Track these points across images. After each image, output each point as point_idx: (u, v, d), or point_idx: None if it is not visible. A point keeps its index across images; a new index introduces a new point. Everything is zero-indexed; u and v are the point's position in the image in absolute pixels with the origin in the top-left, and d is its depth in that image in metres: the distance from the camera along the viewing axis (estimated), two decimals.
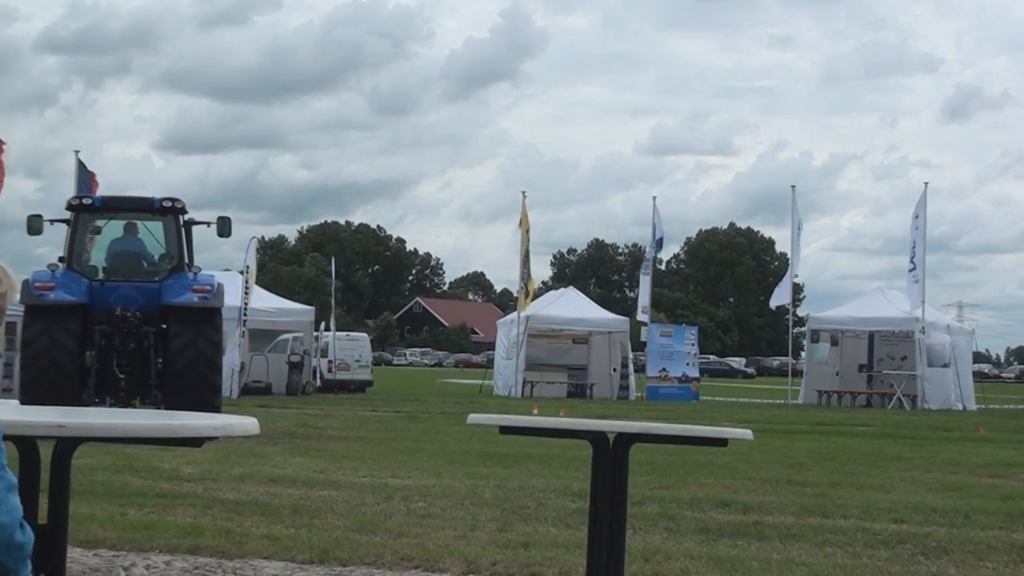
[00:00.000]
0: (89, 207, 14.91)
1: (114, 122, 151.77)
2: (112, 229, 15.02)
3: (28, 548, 1.87)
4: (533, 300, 32.89)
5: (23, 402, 12.04)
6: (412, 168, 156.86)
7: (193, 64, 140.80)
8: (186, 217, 14.95)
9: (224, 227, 15.28)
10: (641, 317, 33.07)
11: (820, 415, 24.02)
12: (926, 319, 29.57)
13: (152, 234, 14.95)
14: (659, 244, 33.51)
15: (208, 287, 14.18)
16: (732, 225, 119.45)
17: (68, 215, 14.81)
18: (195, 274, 14.52)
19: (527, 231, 31.73)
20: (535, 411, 19.98)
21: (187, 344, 13.92)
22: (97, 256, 14.83)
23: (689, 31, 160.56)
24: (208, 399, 13.58)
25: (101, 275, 14.56)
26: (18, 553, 1.83)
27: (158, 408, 13.77)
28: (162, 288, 14.31)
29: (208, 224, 15.31)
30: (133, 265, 14.76)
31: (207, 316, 14.09)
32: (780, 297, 32.56)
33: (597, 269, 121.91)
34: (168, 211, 14.75)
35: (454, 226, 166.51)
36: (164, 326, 14.24)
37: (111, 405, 13.94)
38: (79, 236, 14.65)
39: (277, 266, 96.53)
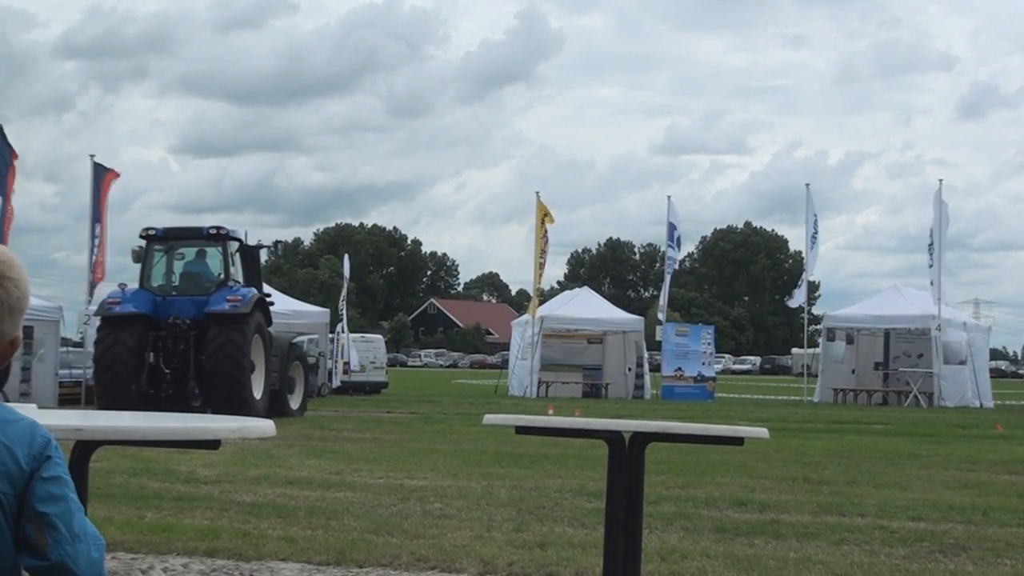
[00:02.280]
0: (155, 236, 18.53)
1: (131, 126, 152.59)
2: (187, 253, 18.67)
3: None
4: (544, 300, 32.90)
5: (97, 394, 16.20)
6: (427, 170, 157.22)
7: (209, 67, 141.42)
8: (248, 242, 18.88)
9: (279, 249, 19.75)
10: (661, 316, 33.16)
11: (836, 413, 23.98)
12: (942, 316, 29.43)
13: (215, 257, 18.50)
14: (678, 242, 33.44)
15: (239, 297, 17.37)
16: (747, 224, 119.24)
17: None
18: (235, 287, 17.77)
19: (543, 233, 31.42)
20: (550, 411, 20.09)
21: (218, 345, 17.11)
22: (168, 276, 18.48)
23: (704, 31, 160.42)
24: (236, 392, 16.78)
25: (171, 291, 18.12)
26: None
27: (195, 398, 17.23)
28: (208, 300, 17.56)
29: (268, 247, 19.80)
30: (193, 283, 18.25)
31: (236, 321, 17.24)
32: (799, 299, 32.61)
33: (612, 269, 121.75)
34: (214, 237, 18.25)
35: (469, 227, 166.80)
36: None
37: (162, 395, 17.19)
38: (148, 260, 18.42)
39: (292, 268, 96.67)
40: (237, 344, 17.02)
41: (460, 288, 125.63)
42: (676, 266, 34.03)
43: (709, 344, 32.62)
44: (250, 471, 10.05)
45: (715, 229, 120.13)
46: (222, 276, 18.12)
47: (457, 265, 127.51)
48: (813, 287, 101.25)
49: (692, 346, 32.02)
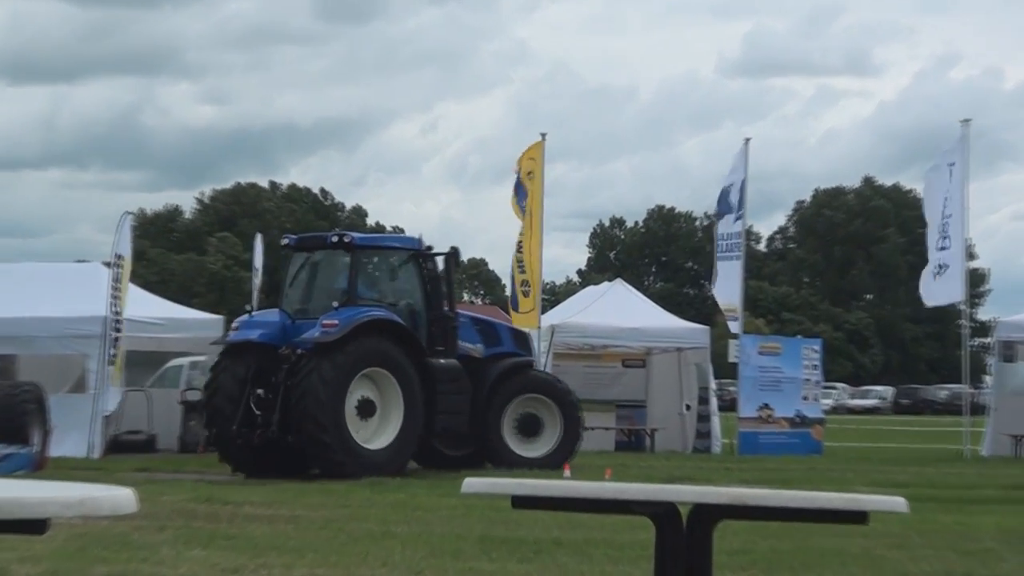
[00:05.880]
0: (288, 245, 23.36)
1: None
2: (321, 266, 23.20)
3: None
4: (556, 301, 32.67)
5: (207, 431, 22.91)
6: (377, 102, 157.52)
7: None
8: (425, 249, 23.08)
9: (458, 257, 23.87)
10: (731, 325, 33.00)
11: (1016, 474, 24.08)
12: None
13: (344, 270, 22.55)
14: (738, 207, 32.99)
15: (335, 323, 20.98)
16: (869, 182, 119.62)
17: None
18: (346, 308, 21.45)
19: (532, 199, 31.23)
20: (566, 472, 20.40)
21: (298, 382, 20.98)
22: (305, 294, 22.90)
23: None
24: (316, 440, 20.72)
25: (304, 313, 22.31)
26: None
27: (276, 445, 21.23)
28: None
29: (446, 254, 23.41)
30: (320, 302, 22.33)
31: (322, 352, 20.93)
32: (943, 291, 32.30)
33: (660, 252, 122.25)
34: (339, 246, 22.38)
35: (441, 190, 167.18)
36: None
37: (255, 440, 21.12)
38: (285, 274, 23.36)
39: (164, 254, 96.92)
40: (313, 380, 20.76)
41: None
42: (742, 248, 33.82)
43: (814, 368, 32.65)
44: (95, 568, 10.04)
45: (819, 190, 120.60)
46: (346, 293, 22.04)
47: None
48: (976, 278, 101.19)
49: (787, 371, 32.09)
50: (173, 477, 21.03)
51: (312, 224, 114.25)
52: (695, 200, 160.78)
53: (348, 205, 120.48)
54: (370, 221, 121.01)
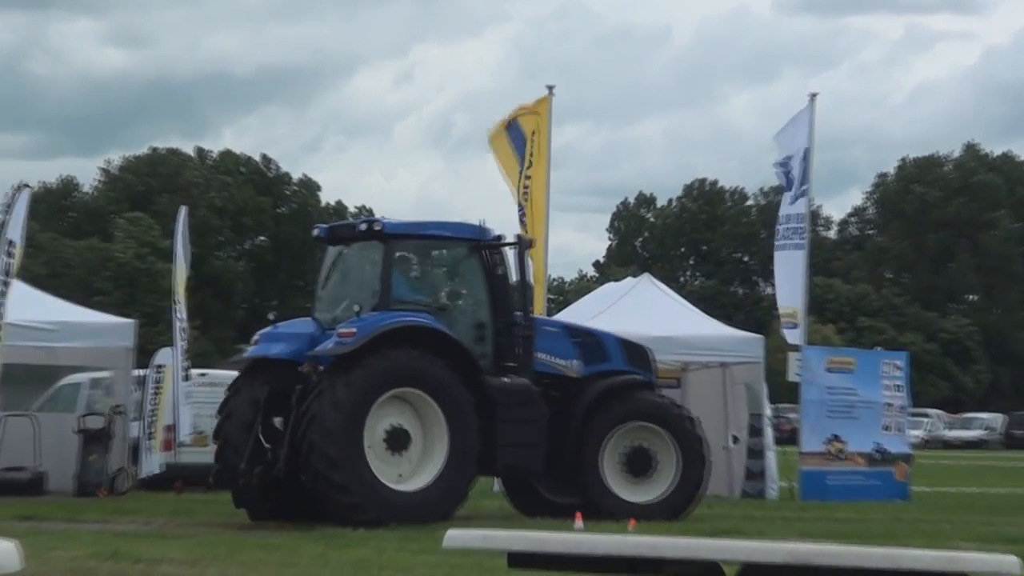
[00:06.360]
0: (319, 239, 24.65)
1: None
2: (351, 262, 24.31)
3: None
4: (565, 301, 32.66)
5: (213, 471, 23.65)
6: (337, 45, 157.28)
7: None
8: (493, 239, 23.79)
9: (524, 247, 24.34)
10: (788, 334, 32.86)
11: None
12: None
13: (375, 266, 23.29)
14: (800, 182, 32.89)
15: (353, 331, 21.59)
16: (972, 150, 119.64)
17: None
18: (370, 314, 22.24)
19: (530, 166, 31.44)
20: (577, 520, 20.19)
21: (306, 407, 21.53)
22: (336, 297, 23.84)
23: None
24: (323, 479, 21.24)
25: (336, 319, 22.92)
26: None
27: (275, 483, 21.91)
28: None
29: (517, 244, 24.17)
30: (349, 306, 23.04)
31: (335, 369, 21.68)
32: None
33: (700, 240, 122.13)
34: (369, 235, 23.17)
35: (419, 159, 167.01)
36: None
37: (255, 479, 21.82)
38: (319, 275, 24.91)
39: (57, 239, 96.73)
40: (330, 404, 21.38)
41: None
42: (806, 232, 33.76)
43: (897, 389, 32.68)
44: None
45: (907, 161, 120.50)
46: (376, 295, 22.81)
47: None
48: None
49: (863, 393, 32.08)
50: (68, 527, 20.99)
51: (251, 202, 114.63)
52: (745, 173, 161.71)
53: (297, 176, 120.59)
54: (326, 198, 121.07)
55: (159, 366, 31.44)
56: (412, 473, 21.91)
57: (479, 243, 23.52)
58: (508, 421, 22.46)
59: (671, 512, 23.24)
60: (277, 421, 22.12)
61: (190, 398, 31.46)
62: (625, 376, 24.34)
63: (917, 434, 55.19)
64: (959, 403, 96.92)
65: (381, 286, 22.68)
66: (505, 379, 22.81)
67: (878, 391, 32.34)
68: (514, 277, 23.78)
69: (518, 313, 23.34)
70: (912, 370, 34.50)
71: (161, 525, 21.95)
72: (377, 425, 21.65)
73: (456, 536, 4.55)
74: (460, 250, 23.80)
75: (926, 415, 77.74)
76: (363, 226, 23.44)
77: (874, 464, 31.97)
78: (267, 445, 22.00)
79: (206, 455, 30.77)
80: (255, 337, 23.54)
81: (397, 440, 21.79)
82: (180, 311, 31.99)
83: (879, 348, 38.18)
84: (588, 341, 24.62)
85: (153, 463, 30.49)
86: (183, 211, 33.75)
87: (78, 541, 18.25)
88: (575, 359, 24.03)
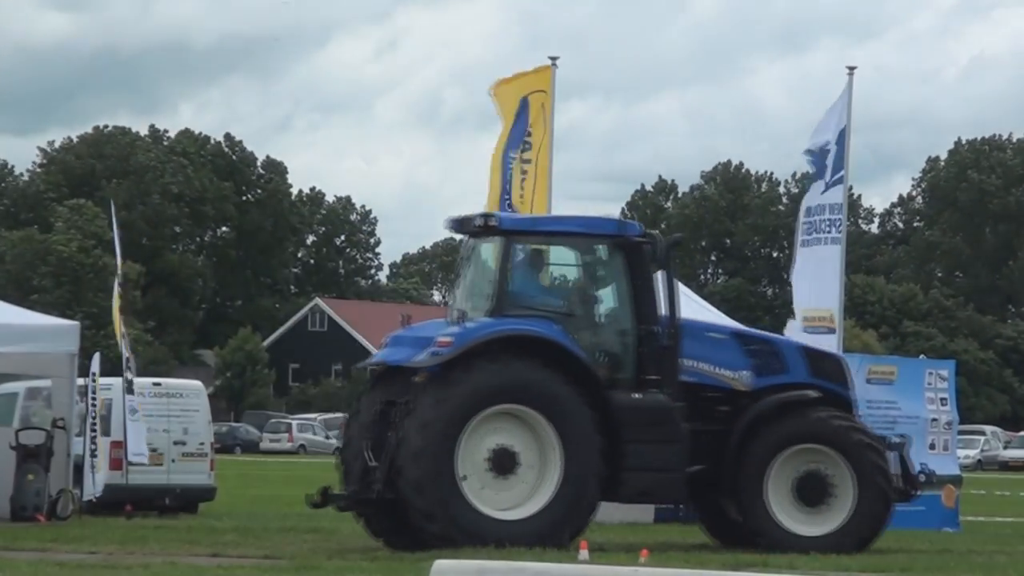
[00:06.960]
0: (450, 230, 25.50)
1: None
2: (474, 259, 24.08)
3: None
4: None
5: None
6: (310, 12, 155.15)
7: None
8: (639, 237, 23.07)
9: (673, 247, 23.60)
10: (823, 340, 31.17)
11: None
12: None
13: (490, 266, 23.40)
14: (835, 167, 32.04)
15: (449, 340, 21.49)
16: None
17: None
18: (519, 318, 22.22)
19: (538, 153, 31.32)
20: (583, 550, 20.05)
21: (399, 423, 21.63)
22: (465, 297, 23.64)
23: None
24: (410, 504, 21.29)
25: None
26: None
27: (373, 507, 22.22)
28: None
29: (664, 243, 23.15)
30: (475, 306, 22.92)
31: (429, 382, 21.47)
32: None
33: (724, 232, 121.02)
34: (486, 231, 22.98)
35: (404, 140, 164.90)
36: None
37: (373, 495, 21.84)
38: (455, 268, 26.19)
39: None
40: (418, 424, 21.33)
41: (383, 273, 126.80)
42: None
43: (942, 403, 31.92)
44: None
45: (961, 144, 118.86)
46: (491, 297, 22.66)
47: (375, 221, 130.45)
48: None
49: (905, 407, 31.64)
50: (1, 555, 20.81)
51: (212, 188, 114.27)
52: (775, 157, 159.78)
53: (264, 159, 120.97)
54: (297, 183, 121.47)
55: (95, 373, 31.14)
56: (523, 498, 21.87)
57: (619, 240, 23.01)
58: (638, 442, 22.09)
59: (845, 547, 22.59)
60: (391, 436, 21.85)
61: (141, 412, 31.23)
62: (800, 390, 23.53)
63: (969, 454, 54.06)
64: (1018, 419, 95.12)
65: (495, 288, 22.64)
66: (636, 395, 22.33)
67: (921, 405, 32.18)
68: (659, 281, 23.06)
69: (664, 319, 22.74)
70: (965, 382, 32.81)
71: (108, 554, 21.92)
72: (478, 445, 21.64)
73: (444, 568, 5.36)
74: (595, 248, 23.39)
75: (981, 432, 77.62)
76: (480, 220, 23.17)
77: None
78: (372, 463, 21.83)
79: (159, 475, 32.47)
80: (383, 340, 23.55)
81: (502, 462, 21.67)
82: (116, 308, 32.13)
83: (923, 357, 36.67)
84: (763, 349, 24.07)
85: (98, 485, 30.27)
86: (110, 200, 34.30)
87: (14, 572, 18.72)
88: (745, 370, 23.33)
